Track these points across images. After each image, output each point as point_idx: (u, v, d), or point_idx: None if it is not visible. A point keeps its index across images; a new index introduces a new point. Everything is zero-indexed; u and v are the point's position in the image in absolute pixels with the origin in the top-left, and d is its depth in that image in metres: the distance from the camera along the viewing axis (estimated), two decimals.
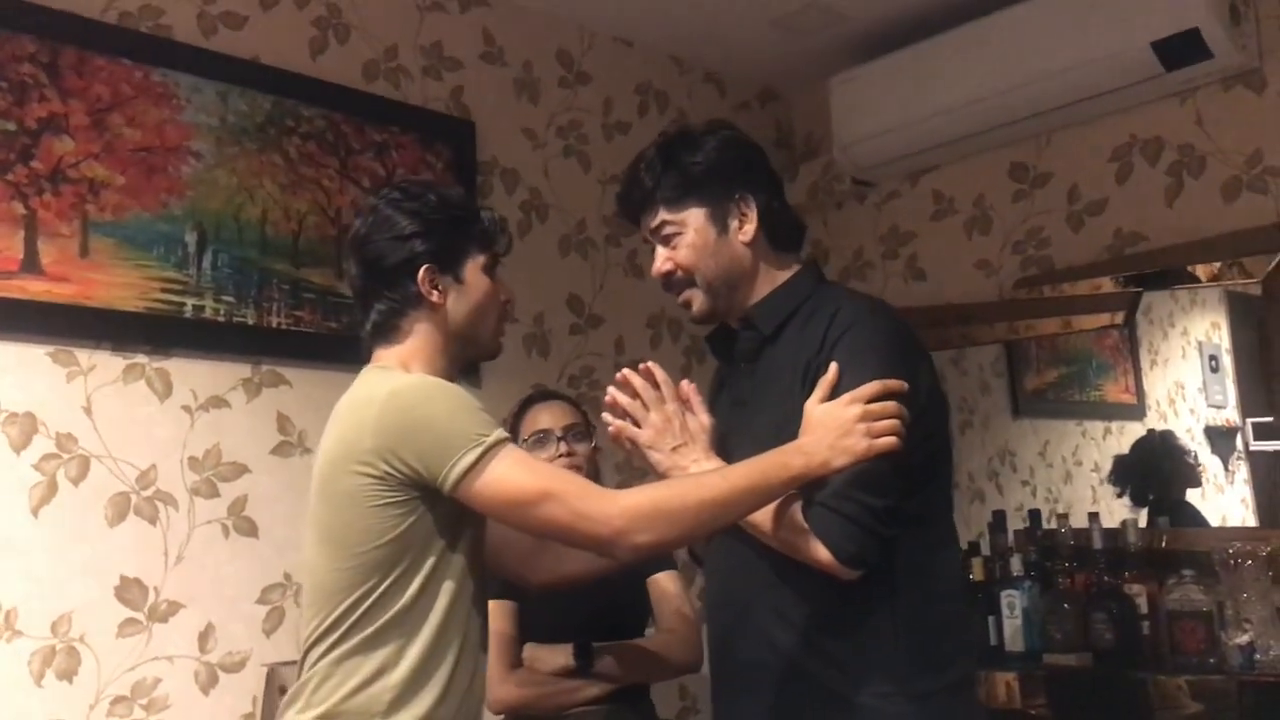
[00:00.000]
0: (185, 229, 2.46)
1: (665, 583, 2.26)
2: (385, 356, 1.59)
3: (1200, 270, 2.87)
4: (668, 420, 1.58)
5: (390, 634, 1.46)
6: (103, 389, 2.34)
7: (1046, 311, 3.14)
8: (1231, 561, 2.54)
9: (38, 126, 2.30)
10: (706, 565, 1.76)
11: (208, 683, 2.38)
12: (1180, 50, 2.71)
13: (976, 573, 2.93)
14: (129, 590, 2.31)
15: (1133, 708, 2.48)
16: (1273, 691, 2.36)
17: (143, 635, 2.31)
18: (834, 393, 1.50)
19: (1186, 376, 3.12)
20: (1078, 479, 3.21)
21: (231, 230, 2.53)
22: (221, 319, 2.49)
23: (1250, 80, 2.80)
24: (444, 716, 1.48)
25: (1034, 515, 3.05)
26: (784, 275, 1.69)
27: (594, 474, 2.22)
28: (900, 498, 1.49)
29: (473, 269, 1.61)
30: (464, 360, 1.66)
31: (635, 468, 2.91)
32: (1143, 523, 2.86)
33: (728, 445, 1.61)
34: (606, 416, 1.61)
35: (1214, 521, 2.95)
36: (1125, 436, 3.16)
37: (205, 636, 2.39)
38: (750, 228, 1.66)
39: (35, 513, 2.23)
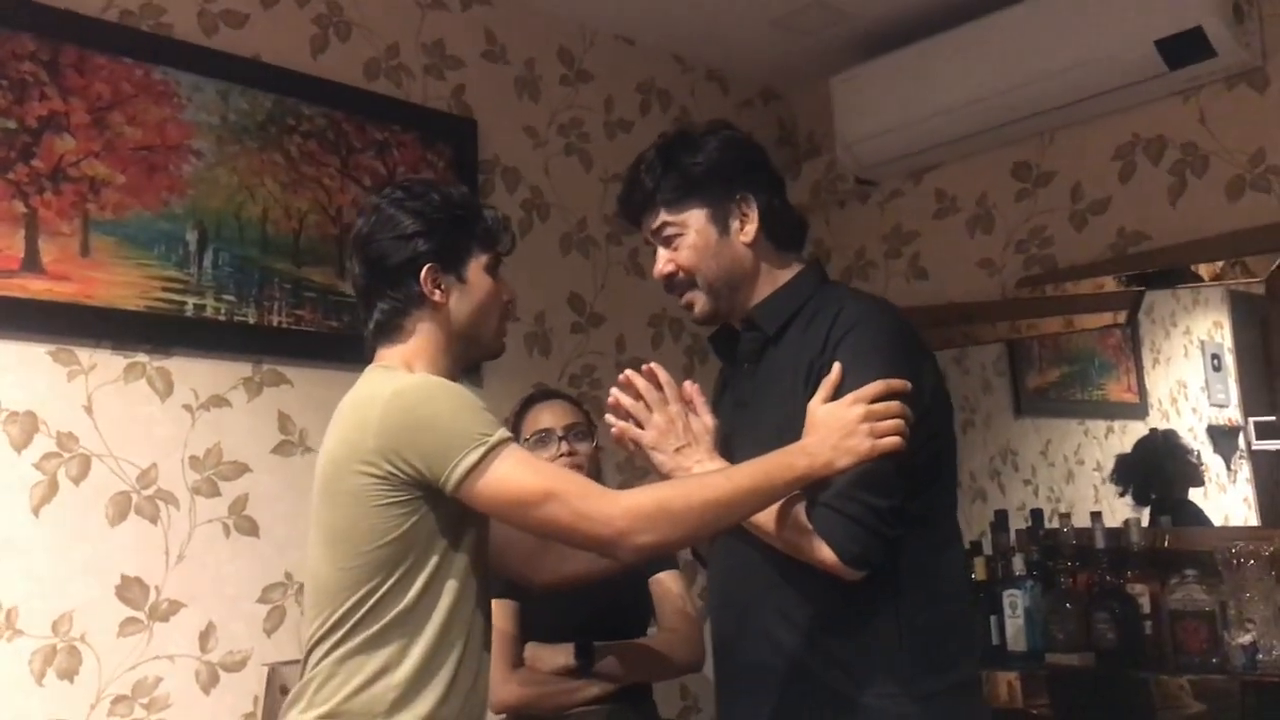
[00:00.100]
0: (186, 228, 2.46)
1: (667, 582, 2.25)
2: (388, 356, 1.59)
3: (1203, 269, 2.87)
4: (671, 421, 1.57)
5: (393, 633, 1.46)
6: (104, 388, 2.33)
7: (1049, 310, 3.14)
8: (1234, 561, 2.53)
9: (38, 125, 2.30)
10: (710, 566, 1.76)
11: (209, 682, 2.38)
12: (1183, 49, 2.71)
13: (979, 572, 2.92)
14: (130, 589, 2.31)
15: (1135, 708, 2.48)
16: (1275, 692, 2.35)
17: (144, 634, 2.31)
18: (837, 393, 1.49)
19: (1189, 376, 3.11)
20: (1080, 478, 3.21)
21: (232, 229, 2.52)
22: (222, 318, 2.48)
23: (1254, 79, 2.79)
24: (447, 716, 1.48)
25: (1036, 514, 3.05)
26: (786, 275, 1.68)
27: (596, 473, 2.21)
28: (904, 498, 1.49)
29: (475, 268, 1.61)
30: (467, 360, 1.65)
31: (637, 467, 2.91)
32: (1145, 522, 2.86)
33: (731, 446, 1.60)
34: (609, 418, 1.60)
35: (1216, 521, 2.95)
36: (1127, 436, 3.16)
37: (206, 636, 2.39)
38: (751, 228, 1.65)
39: (36, 512, 2.22)
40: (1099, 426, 3.25)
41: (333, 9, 2.78)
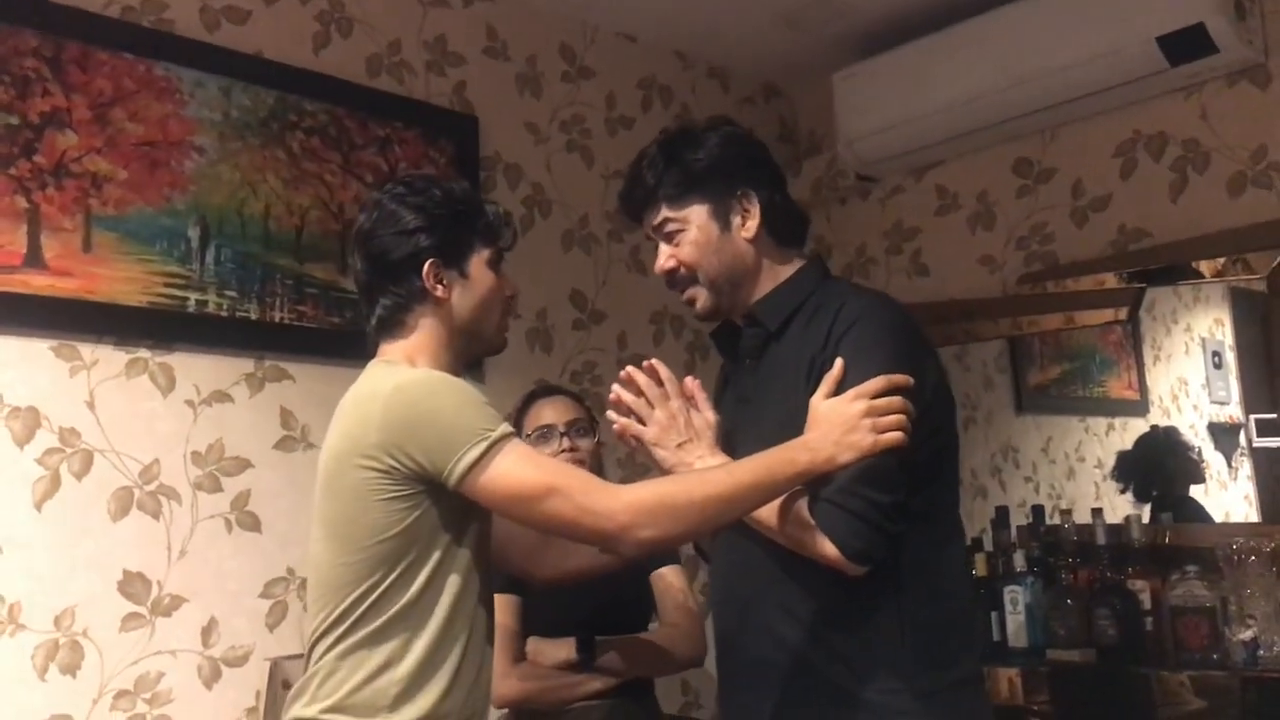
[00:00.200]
0: (188, 224, 2.46)
1: (669, 577, 2.26)
2: (390, 351, 1.59)
3: (1204, 266, 2.87)
4: (672, 417, 1.57)
5: (396, 628, 1.46)
6: (106, 383, 2.33)
7: (1050, 307, 3.14)
8: (1235, 557, 2.54)
9: (40, 121, 2.30)
10: (712, 561, 1.76)
11: (211, 677, 2.38)
12: (1185, 45, 2.70)
13: (980, 568, 2.92)
14: (132, 584, 2.31)
15: (1136, 704, 2.48)
16: (1276, 688, 2.35)
17: (146, 629, 2.31)
18: (840, 388, 1.49)
19: (1190, 373, 3.11)
20: (1081, 475, 3.21)
21: (234, 225, 2.52)
22: (224, 314, 2.49)
23: (1255, 75, 2.79)
24: (450, 710, 1.48)
25: (1037, 511, 3.05)
26: (788, 271, 1.68)
27: (597, 469, 2.21)
28: (906, 493, 1.48)
29: (477, 263, 1.61)
30: (469, 355, 1.65)
31: (639, 464, 2.91)
32: (1146, 519, 2.86)
33: (733, 442, 1.60)
34: (611, 414, 1.60)
35: (1217, 518, 2.95)
36: (1128, 433, 3.16)
37: (208, 631, 2.39)
38: (753, 224, 1.65)
39: (38, 507, 2.23)
40: (1100, 423, 3.25)
41: (335, 5, 2.78)
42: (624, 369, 1.60)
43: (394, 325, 1.59)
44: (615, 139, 3.29)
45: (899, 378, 1.48)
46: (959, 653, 1.57)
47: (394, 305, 1.58)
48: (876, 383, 1.47)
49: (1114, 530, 2.76)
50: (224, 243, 2.50)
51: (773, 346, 1.65)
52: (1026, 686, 2.64)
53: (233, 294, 2.50)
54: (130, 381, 2.37)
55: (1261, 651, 2.44)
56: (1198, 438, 3.03)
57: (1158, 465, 3.06)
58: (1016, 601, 2.83)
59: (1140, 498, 3.02)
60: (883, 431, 1.45)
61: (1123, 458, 3.12)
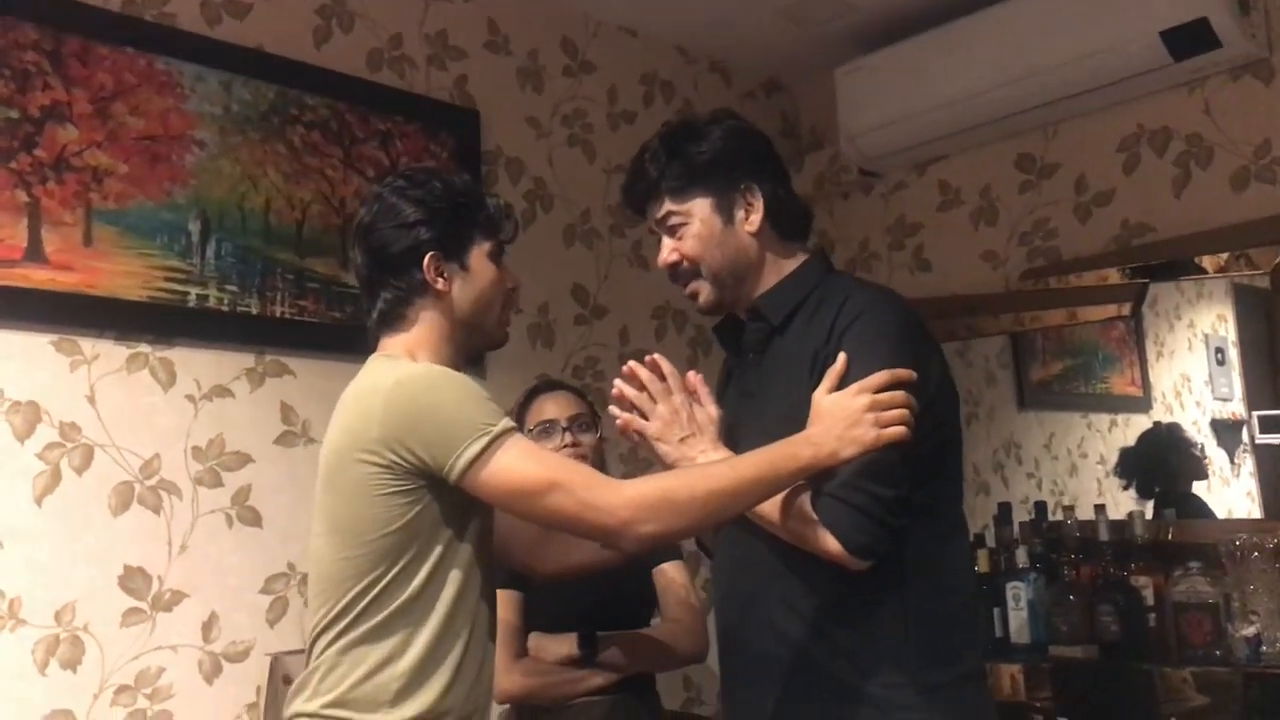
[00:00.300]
0: (189, 218, 2.46)
1: (671, 573, 2.25)
2: (391, 345, 1.58)
3: (1207, 262, 2.86)
4: (675, 412, 1.57)
5: (397, 623, 1.46)
6: (106, 378, 2.33)
7: (1053, 303, 3.13)
8: (1238, 553, 2.53)
9: (41, 114, 2.30)
10: (715, 556, 1.75)
11: (211, 672, 2.38)
12: (1189, 40, 2.70)
13: (982, 564, 2.92)
14: (133, 579, 2.31)
15: (1138, 700, 2.48)
16: (1278, 684, 2.35)
17: (146, 624, 2.31)
18: (842, 382, 1.49)
19: (1192, 369, 3.11)
20: (1083, 471, 3.21)
21: (235, 219, 2.52)
22: (225, 308, 2.48)
23: (1259, 70, 2.78)
24: (451, 706, 1.48)
25: (1039, 507, 3.05)
26: (791, 265, 1.67)
27: (599, 464, 2.21)
28: (909, 488, 1.48)
29: (478, 256, 1.60)
30: (470, 348, 1.65)
31: (641, 459, 2.91)
32: (1149, 515, 2.86)
33: (736, 436, 1.60)
34: (613, 410, 1.60)
35: (1220, 514, 2.94)
36: (1131, 429, 3.16)
37: (209, 626, 2.39)
38: (756, 217, 1.65)
39: (39, 502, 2.22)
40: (1102, 420, 3.24)
41: (335, 0, 2.78)
42: (626, 364, 1.60)
43: (395, 319, 1.58)
44: (617, 133, 3.29)
45: (902, 372, 1.48)
46: (962, 648, 1.57)
47: (394, 299, 1.58)
48: (879, 377, 1.47)
49: (1117, 526, 2.76)
50: (225, 237, 2.50)
51: (776, 341, 1.64)
52: (1029, 683, 2.64)
53: (233, 288, 2.50)
54: (131, 376, 2.36)
55: (1264, 648, 2.43)
56: (1200, 434, 3.02)
57: (1160, 461, 3.05)
58: (1019, 597, 2.83)
59: (1143, 494, 3.02)
60: (885, 426, 1.44)
61: (1125, 454, 3.12)
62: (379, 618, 1.46)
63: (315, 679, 1.48)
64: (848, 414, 1.45)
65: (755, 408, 1.63)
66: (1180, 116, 2.91)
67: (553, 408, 2.25)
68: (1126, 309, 3.00)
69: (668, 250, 1.67)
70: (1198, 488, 2.99)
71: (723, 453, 1.55)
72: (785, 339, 1.63)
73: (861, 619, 1.52)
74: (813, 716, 1.54)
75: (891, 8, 3.21)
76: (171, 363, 2.41)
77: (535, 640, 2.16)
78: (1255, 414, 2.95)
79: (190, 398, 2.43)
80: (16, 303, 2.22)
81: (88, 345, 2.31)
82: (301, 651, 1.58)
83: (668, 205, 1.65)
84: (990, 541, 3.03)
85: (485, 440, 1.43)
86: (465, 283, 1.59)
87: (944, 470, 1.59)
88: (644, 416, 1.58)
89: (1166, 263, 2.92)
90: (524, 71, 3.12)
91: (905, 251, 3.48)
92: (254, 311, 2.52)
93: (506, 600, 2.11)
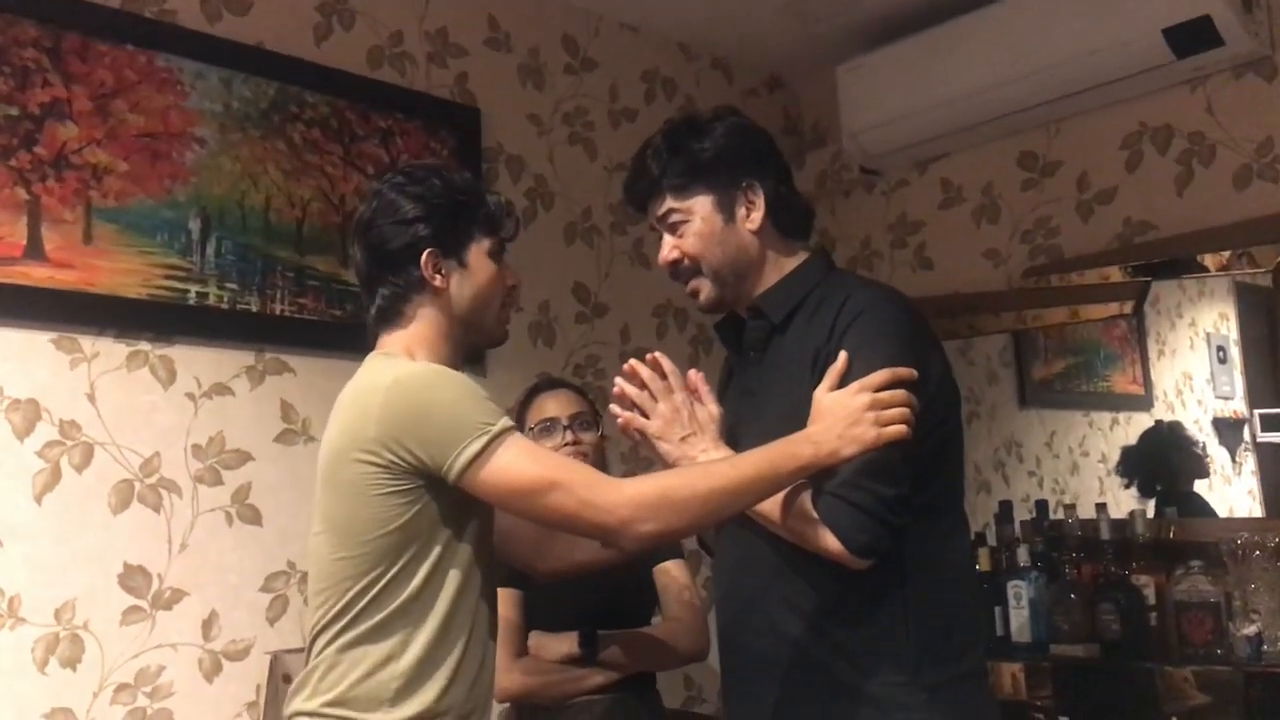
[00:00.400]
0: (189, 215, 2.45)
1: (672, 571, 2.25)
2: (389, 342, 1.58)
3: (1209, 260, 2.86)
4: (676, 410, 1.57)
5: (397, 622, 1.46)
6: (106, 376, 2.33)
7: (1054, 301, 3.13)
8: (1239, 552, 2.53)
9: (41, 112, 2.29)
10: (716, 555, 1.75)
11: (211, 670, 2.38)
12: (1191, 37, 2.69)
13: (983, 563, 2.91)
14: (133, 578, 2.30)
15: (1140, 699, 2.48)
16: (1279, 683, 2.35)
17: (146, 623, 2.31)
18: (843, 381, 1.48)
19: (1194, 367, 3.10)
20: (1084, 470, 3.20)
21: (235, 217, 2.52)
22: (225, 306, 2.48)
23: (1261, 68, 2.78)
24: (451, 705, 1.47)
25: (1041, 506, 3.04)
26: (792, 263, 1.67)
27: (600, 463, 2.21)
28: (910, 487, 1.47)
29: (477, 253, 1.60)
30: (469, 346, 1.64)
31: (642, 457, 2.91)
32: (1150, 514, 2.85)
33: (737, 435, 1.59)
34: (614, 408, 1.60)
35: (1221, 513, 2.94)
36: (1132, 427, 3.15)
37: (209, 624, 2.39)
38: (757, 215, 1.64)
39: (39, 500, 2.22)
40: (1104, 418, 3.24)
41: None
42: (627, 362, 1.59)
43: (393, 315, 1.58)
44: (618, 131, 3.28)
45: (903, 371, 1.47)
46: (963, 647, 1.56)
47: (392, 295, 1.57)
48: (880, 376, 1.46)
49: (1118, 525, 2.75)
50: (225, 235, 2.50)
51: (777, 339, 1.64)
52: (1030, 681, 2.63)
53: (233, 286, 2.49)
54: (131, 374, 2.36)
55: (1266, 646, 2.43)
56: (1202, 432, 3.02)
57: (1162, 460, 3.05)
58: (1020, 596, 2.83)
59: (1144, 492, 3.02)
60: (886, 425, 1.44)
61: (1127, 452, 3.12)
62: (378, 617, 1.46)
63: (315, 678, 1.48)
64: (848, 412, 1.44)
65: (756, 406, 1.63)
66: (1182, 114, 2.90)
67: (554, 406, 2.25)
68: (1128, 307, 3.00)
69: (668, 248, 1.67)
70: (1199, 486, 2.98)
71: (724, 451, 1.55)
72: (786, 337, 1.62)
73: (862, 618, 1.51)
74: (813, 715, 1.54)
75: (893, 5, 3.20)
76: (171, 360, 2.41)
77: (536, 639, 2.15)
78: (1257, 412, 2.95)
79: (190, 396, 2.43)
80: (16, 300, 2.21)
81: (87, 343, 2.31)
82: (301, 650, 1.57)
83: (669, 202, 1.65)
84: (991, 540, 3.02)
85: (484, 439, 1.42)
86: (464, 280, 1.58)
87: (945, 469, 1.59)
88: (645, 415, 1.57)
89: (1168, 261, 2.91)
90: (525, 69, 3.12)
91: (907, 249, 3.48)
92: (254, 309, 2.52)
93: (507, 598, 2.11)
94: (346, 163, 2.71)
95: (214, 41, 2.54)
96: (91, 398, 2.30)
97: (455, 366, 1.56)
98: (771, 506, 1.50)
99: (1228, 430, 3.00)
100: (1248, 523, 2.82)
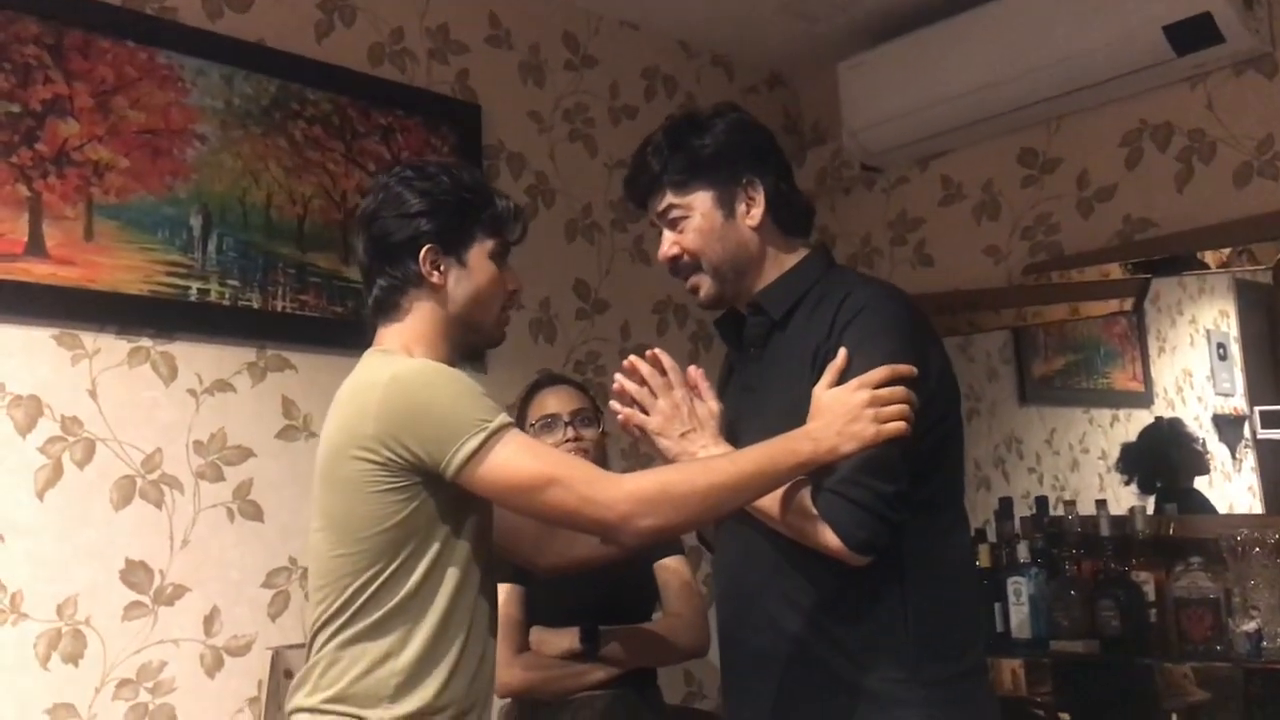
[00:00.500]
0: (190, 212, 2.45)
1: (673, 567, 2.25)
2: (387, 337, 1.58)
3: (1209, 257, 2.86)
4: (675, 406, 1.57)
5: (396, 619, 1.46)
6: (108, 372, 2.33)
7: (1055, 298, 3.13)
8: (1239, 549, 2.53)
9: (42, 109, 2.29)
10: (715, 551, 1.75)
11: (213, 666, 2.38)
12: (1192, 34, 2.69)
13: (983, 560, 2.92)
14: (134, 573, 2.31)
15: (1139, 695, 2.48)
16: (1279, 679, 2.35)
17: (148, 618, 2.31)
18: (843, 378, 1.48)
19: (1194, 364, 3.11)
20: (1084, 466, 3.20)
21: (236, 214, 2.52)
22: (226, 303, 2.48)
23: (1262, 65, 2.78)
24: (451, 701, 1.48)
25: (1041, 502, 3.05)
26: (792, 259, 1.67)
27: (601, 459, 2.21)
28: (910, 483, 1.48)
29: (478, 254, 1.59)
30: (465, 345, 1.64)
31: (642, 454, 2.91)
32: (1150, 510, 2.86)
33: (737, 431, 1.60)
34: (614, 404, 1.60)
35: (1221, 509, 2.94)
36: (1132, 424, 3.15)
37: (211, 620, 2.39)
38: (757, 211, 1.64)
39: (41, 496, 2.23)
40: (1104, 415, 3.24)
41: None
42: (627, 358, 1.60)
43: (389, 308, 1.58)
44: (619, 128, 3.28)
45: (902, 367, 1.48)
46: (963, 643, 1.56)
47: (389, 287, 1.57)
48: (880, 372, 1.46)
49: (1118, 521, 2.76)
50: (226, 231, 2.50)
51: (777, 335, 1.64)
52: (1030, 678, 2.64)
53: (235, 283, 2.50)
54: (132, 370, 2.36)
55: (1265, 643, 2.43)
56: (1202, 429, 3.02)
57: (1162, 457, 3.05)
58: (1020, 593, 2.83)
59: (1144, 489, 3.02)
60: (885, 421, 1.44)
61: (1127, 449, 3.12)
62: (378, 614, 1.46)
63: (315, 674, 1.49)
64: (848, 409, 1.44)
65: (756, 402, 1.63)
66: (1183, 111, 2.91)
67: (555, 402, 2.25)
68: (1128, 304, 3.00)
69: (668, 243, 1.67)
70: (1199, 483, 2.98)
71: (723, 447, 1.55)
72: (786, 334, 1.62)
73: (862, 614, 1.51)
74: (813, 711, 1.54)
75: (894, 2, 3.20)
76: (173, 357, 2.42)
77: (537, 634, 2.16)
78: (1257, 409, 2.95)
79: (192, 392, 2.43)
80: (18, 297, 2.22)
81: (89, 339, 2.31)
82: (303, 645, 1.58)
83: (669, 198, 1.65)
84: (991, 537, 3.02)
85: (482, 436, 1.42)
86: (462, 279, 1.58)
87: (945, 465, 1.59)
88: (645, 411, 1.58)
89: (1168, 258, 2.91)
90: (525, 66, 3.12)
91: (907, 247, 3.48)
92: (255, 306, 2.52)
93: (509, 594, 2.11)
94: (348, 159, 2.71)
95: (215, 38, 2.54)
96: (93, 394, 2.31)
97: (453, 364, 1.56)
98: (771, 502, 1.50)
99: (1228, 427, 3.01)
100: (1248, 519, 2.82)
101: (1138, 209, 2.97)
